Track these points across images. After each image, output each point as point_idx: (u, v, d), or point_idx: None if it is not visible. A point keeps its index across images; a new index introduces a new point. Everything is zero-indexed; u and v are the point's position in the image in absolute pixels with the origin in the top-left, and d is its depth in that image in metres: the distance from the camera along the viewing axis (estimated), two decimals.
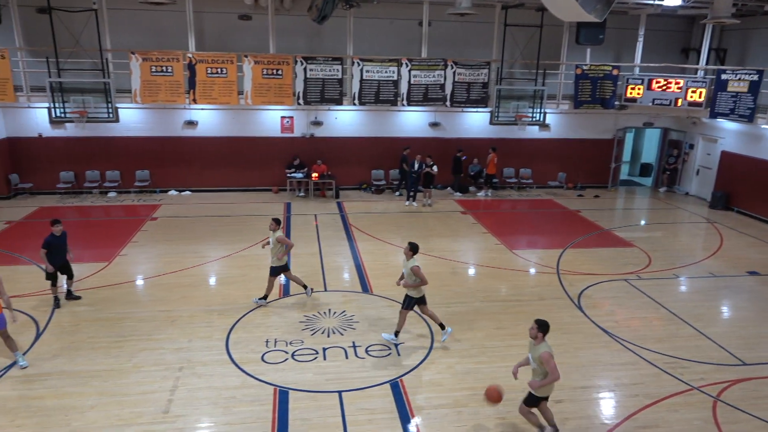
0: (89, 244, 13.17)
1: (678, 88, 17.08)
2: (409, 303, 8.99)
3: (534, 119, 17.88)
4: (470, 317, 10.12)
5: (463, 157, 18.86)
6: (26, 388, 7.71)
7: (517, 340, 9.30)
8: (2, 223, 14.86)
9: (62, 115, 15.73)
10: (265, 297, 10.30)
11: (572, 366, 8.58)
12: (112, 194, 17.93)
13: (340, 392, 7.75)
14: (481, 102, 17.77)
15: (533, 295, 11.20)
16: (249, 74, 16.19)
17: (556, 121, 19.82)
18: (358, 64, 16.68)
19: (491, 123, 18.23)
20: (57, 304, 10.04)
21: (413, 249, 9.00)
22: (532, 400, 6.75)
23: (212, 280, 11.62)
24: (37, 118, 17.27)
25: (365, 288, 11.27)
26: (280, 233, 10.11)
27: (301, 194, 18.47)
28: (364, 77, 16.77)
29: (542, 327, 6.59)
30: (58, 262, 9.88)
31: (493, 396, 6.96)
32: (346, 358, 8.63)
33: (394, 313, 10.13)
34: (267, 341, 9.05)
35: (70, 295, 10.27)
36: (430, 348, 9.01)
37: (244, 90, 16.32)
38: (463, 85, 17.35)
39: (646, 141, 22.68)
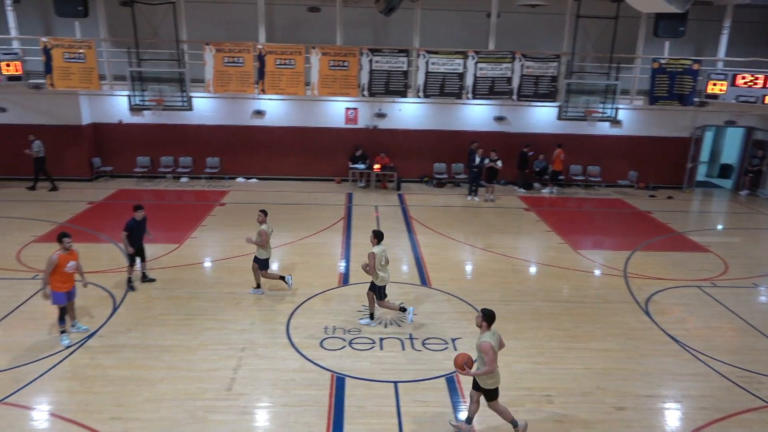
0: (163, 226, 13.80)
1: (766, 84, 15.94)
2: (379, 292, 9.18)
3: (605, 115, 17.20)
4: (530, 316, 9.92)
5: (530, 153, 18.43)
6: (103, 358, 8.24)
7: (578, 342, 9.06)
8: (85, 203, 15.89)
9: (141, 102, 16.56)
10: (284, 278, 10.60)
11: (637, 373, 8.26)
12: (184, 179, 18.77)
13: (395, 383, 7.80)
14: (549, 96, 17.26)
15: (597, 297, 10.83)
16: (316, 65, 16.45)
17: (628, 118, 18.98)
18: (424, 56, 16.59)
19: (559, 118, 17.70)
20: (131, 286, 10.54)
21: (377, 236, 9.24)
22: (489, 394, 6.66)
23: (275, 266, 11.94)
24: (118, 106, 18.28)
25: (423, 281, 11.26)
26: (264, 227, 10.17)
27: (362, 185, 18.63)
28: (430, 69, 16.66)
29: (486, 317, 6.57)
30: (136, 245, 10.44)
31: (461, 361, 6.55)
32: (403, 349, 8.68)
33: (452, 307, 10.12)
34: (326, 328, 9.23)
35: (145, 278, 10.83)
36: None
37: (311, 81, 16.60)
38: (531, 79, 16.91)
39: (728, 140, 21.33)
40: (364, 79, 16.63)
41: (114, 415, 7.02)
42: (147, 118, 18.38)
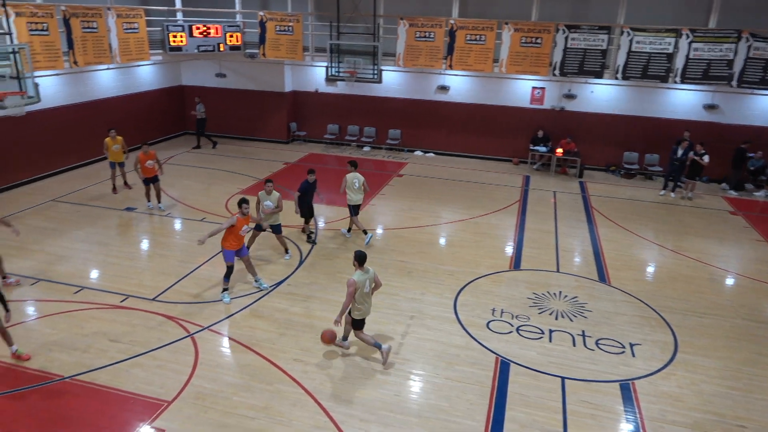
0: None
1: None
2: (350, 210, 11.51)
3: None
4: (726, 334, 8.74)
5: (751, 154, 15.86)
6: (289, 305, 9.11)
7: None
8: (281, 163, 17.60)
9: (336, 73, 17.65)
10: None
11: None
12: (366, 149, 19.76)
13: (563, 378, 7.46)
14: None
15: None
16: (507, 42, 15.96)
17: None
18: (628, 34, 15.13)
19: None
20: (309, 239, 11.62)
21: (353, 165, 11.45)
22: (356, 323, 7.60)
23: (446, 241, 12.08)
24: (315, 75, 19.75)
25: (602, 277, 10.51)
26: (278, 194, 10.46)
27: (537, 167, 17.87)
28: (633, 49, 15.17)
29: (357, 258, 7.45)
30: (307, 204, 11.33)
31: (327, 338, 7.68)
32: (574, 345, 8.23)
33: (633, 310, 9.34)
34: (493, 310, 9.12)
35: (309, 238, 11.70)
36: (672, 357, 8.06)
37: (500, 58, 16.19)
38: (760, 62, 14.48)
39: None
40: (557, 57, 15.74)
41: (296, 357, 7.76)
42: (339, 88, 19.60)
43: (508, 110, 18.30)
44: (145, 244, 11.56)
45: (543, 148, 17.53)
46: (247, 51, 18.35)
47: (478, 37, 16.17)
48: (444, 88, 18.64)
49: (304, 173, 11.35)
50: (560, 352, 8.06)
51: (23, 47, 11.17)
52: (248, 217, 9.14)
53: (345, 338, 7.99)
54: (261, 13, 17.59)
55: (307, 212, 11.44)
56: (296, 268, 10.41)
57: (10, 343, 7.45)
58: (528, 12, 16.19)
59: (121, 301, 9.05)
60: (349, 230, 11.92)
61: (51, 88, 14.61)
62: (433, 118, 19.05)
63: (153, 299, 9.14)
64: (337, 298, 9.24)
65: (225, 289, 9.26)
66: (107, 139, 13.60)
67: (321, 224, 12.63)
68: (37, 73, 12.01)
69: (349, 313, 7.63)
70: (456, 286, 9.86)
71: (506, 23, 15.88)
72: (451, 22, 16.29)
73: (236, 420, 6.56)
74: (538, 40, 15.72)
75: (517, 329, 8.59)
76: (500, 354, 7.93)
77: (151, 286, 9.58)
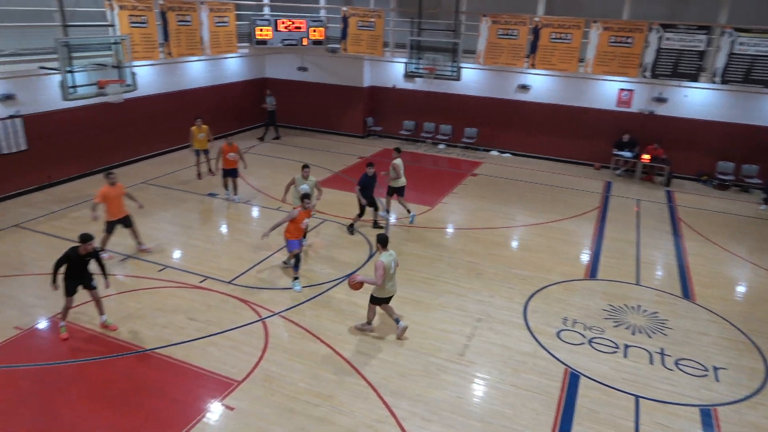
0: (418, 187, 14.70)
1: None
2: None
3: None
4: None
5: None
6: (357, 297, 9.17)
7: None
8: (356, 157, 17.82)
9: (415, 70, 17.62)
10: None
11: None
12: (441, 146, 19.63)
13: (637, 397, 7.08)
14: None
15: None
16: (594, 41, 15.30)
17: None
18: (730, 35, 14.08)
19: None
20: (351, 231, 11.71)
21: (398, 150, 12.24)
22: (373, 299, 7.99)
23: (518, 244, 11.78)
24: (394, 71, 19.81)
25: (686, 293, 9.87)
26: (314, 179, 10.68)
27: (619, 173, 17.02)
28: (735, 51, 14.10)
29: (380, 241, 7.78)
30: (368, 197, 11.46)
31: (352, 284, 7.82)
32: (651, 363, 7.79)
33: (719, 331, 8.72)
34: (565, 319, 8.80)
35: (375, 224, 11.96)
36: (762, 385, 7.45)
37: (586, 57, 15.55)
38: None
39: None
40: (649, 58, 14.90)
41: (360, 349, 7.84)
42: (417, 84, 19.56)
43: (591, 112, 17.58)
44: (224, 229, 12.07)
45: (628, 154, 16.70)
46: (329, 46, 18.68)
47: (563, 35, 15.61)
48: (524, 88, 18.16)
49: (376, 168, 11.45)
50: (635, 369, 7.66)
51: (124, 38, 11.97)
52: (309, 210, 9.35)
53: (369, 322, 8.33)
54: (344, 9, 17.84)
55: (370, 204, 11.63)
56: (365, 262, 10.51)
57: (101, 312, 8.03)
58: (619, 10, 15.44)
59: (200, 282, 9.50)
60: (410, 212, 12.32)
61: (146, 77, 15.54)
62: (511, 117, 18.62)
63: (229, 282, 9.54)
64: (403, 295, 9.21)
65: (296, 278, 9.47)
66: (193, 128, 14.29)
67: (392, 220, 12.65)
68: (134, 63, 12.81)
69: (371, 298, 8.06)
70: (527, 292, 9.60)
71: (594, 21, 15.21)
72: (536, 19, 15.82)
73: (301, 406, 6.72)
74: (629, 40, 14.96)
75: (590, 341, 8.24)
76: (570, 365, 7.64)
77: (228, 269, 9.99)
